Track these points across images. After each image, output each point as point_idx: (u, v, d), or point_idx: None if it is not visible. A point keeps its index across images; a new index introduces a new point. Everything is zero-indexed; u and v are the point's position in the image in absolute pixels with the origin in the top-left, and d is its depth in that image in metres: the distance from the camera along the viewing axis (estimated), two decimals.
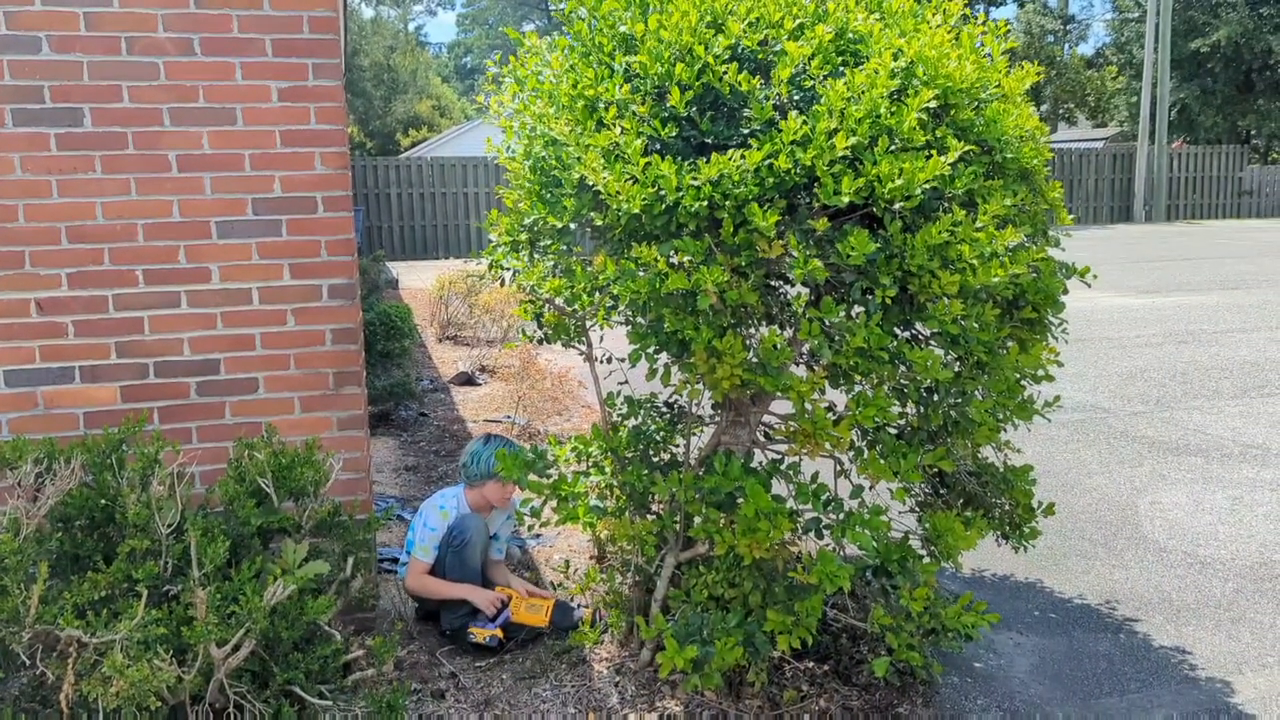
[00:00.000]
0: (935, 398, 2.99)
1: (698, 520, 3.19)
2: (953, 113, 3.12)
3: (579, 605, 4.05)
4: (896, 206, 2.86)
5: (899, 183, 2.76)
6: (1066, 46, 39.61)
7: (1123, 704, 3.51)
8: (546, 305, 4.43)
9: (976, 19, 3.30)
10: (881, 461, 2.94)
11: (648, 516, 3.62)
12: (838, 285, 2.99)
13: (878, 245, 2.76)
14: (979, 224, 2.92)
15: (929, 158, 2.89)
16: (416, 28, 75.07)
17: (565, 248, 3.32)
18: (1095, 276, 3.44)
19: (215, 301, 3.92)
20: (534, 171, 3.31)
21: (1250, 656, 3.81)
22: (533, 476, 3.30)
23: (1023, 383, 3.22)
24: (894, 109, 2.90)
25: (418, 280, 17.23)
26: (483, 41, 77.16)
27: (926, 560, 3.12)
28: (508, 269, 4.17)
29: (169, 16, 3.74)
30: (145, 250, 3.83)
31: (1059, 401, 3.44)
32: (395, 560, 4.70)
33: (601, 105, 3.08)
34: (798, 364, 3.13)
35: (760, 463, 3.21)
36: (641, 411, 3.71)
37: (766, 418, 3.58)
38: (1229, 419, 7.23)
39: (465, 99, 67.32)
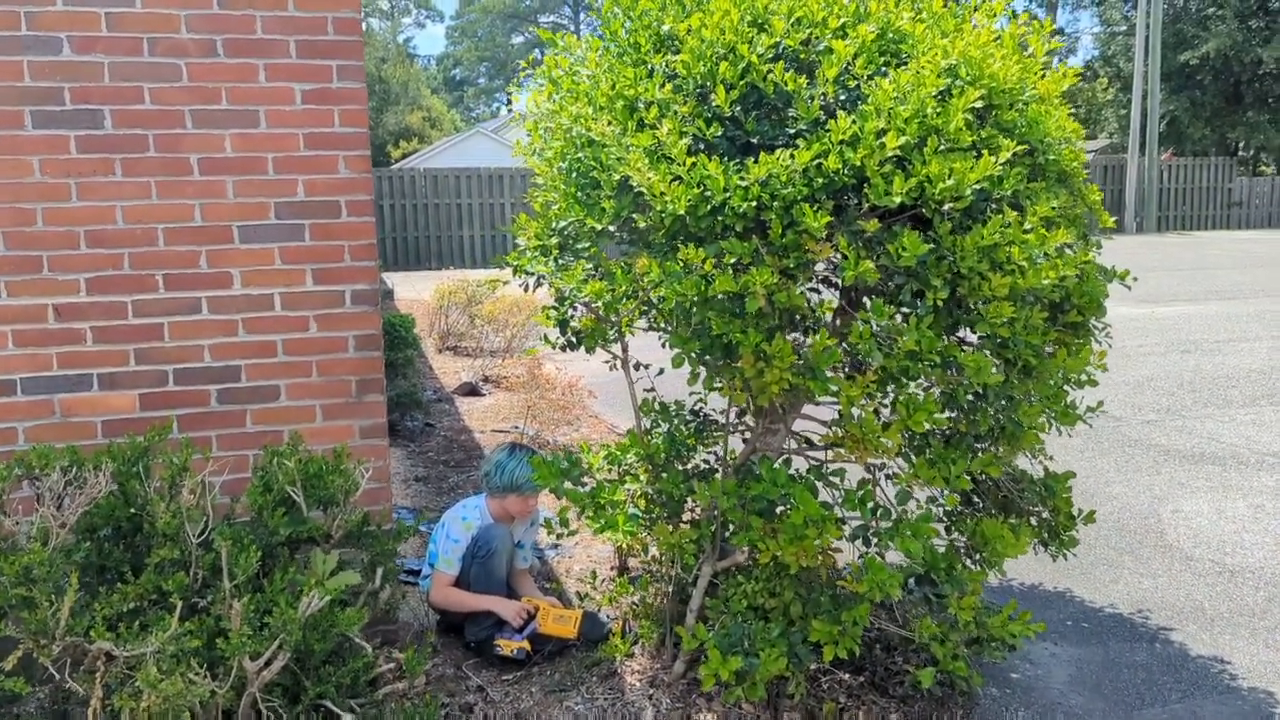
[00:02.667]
0: (983, 403, 2.94)
1: (736, 528, 3.13)
2: (996, 113, 3.07)
3: (608, 617, 3.97)
4: (946, 208, 2.81)
5: (950, 183, 2.71)
6: (1055, 59, 39.76)
7: (1165, 715, 3.45)
8: (582, 309, 4.38)
9: (1018, 17, 3.26)
10: (930, 468, 2.88)
11: (682, 525, 3.55)
12: (883, 288, 2.93)
13: (930, 247, 2.71)
14: (1027, 226, 2.87)
15: (977, 158, 2.84)
16: (406, 40, 75.12)
17: (604, 250, 3.25)
18: (1135, 279, 3.40)
19: (237, 307, 3.85)
20: (569, 174, 3.24)
21: None
22: (568, 485, 3.23)
23: (1065, 388, 3.17)
24: (940, 109, 2.86)
25: (412, 291, 17.14)
26: (472, 54, 77.20)
27: (973, 568, 3.06)
28: (533, 273, 4.11)
29: (192, 17, 3.67)
30: (166, 255, 3.76)
31: (1101, 407, 3.39)
32: (412, 572, 4.62)
33: (642, 105, 3.02)
34: (840, 368, 3.07)
35: (798, 469, 3.15)
36: (675, 419, 3.64)
37: (802, 423, 3.52)
38: (1241, 427, 7.20)
39: (455, 110, 67.30)
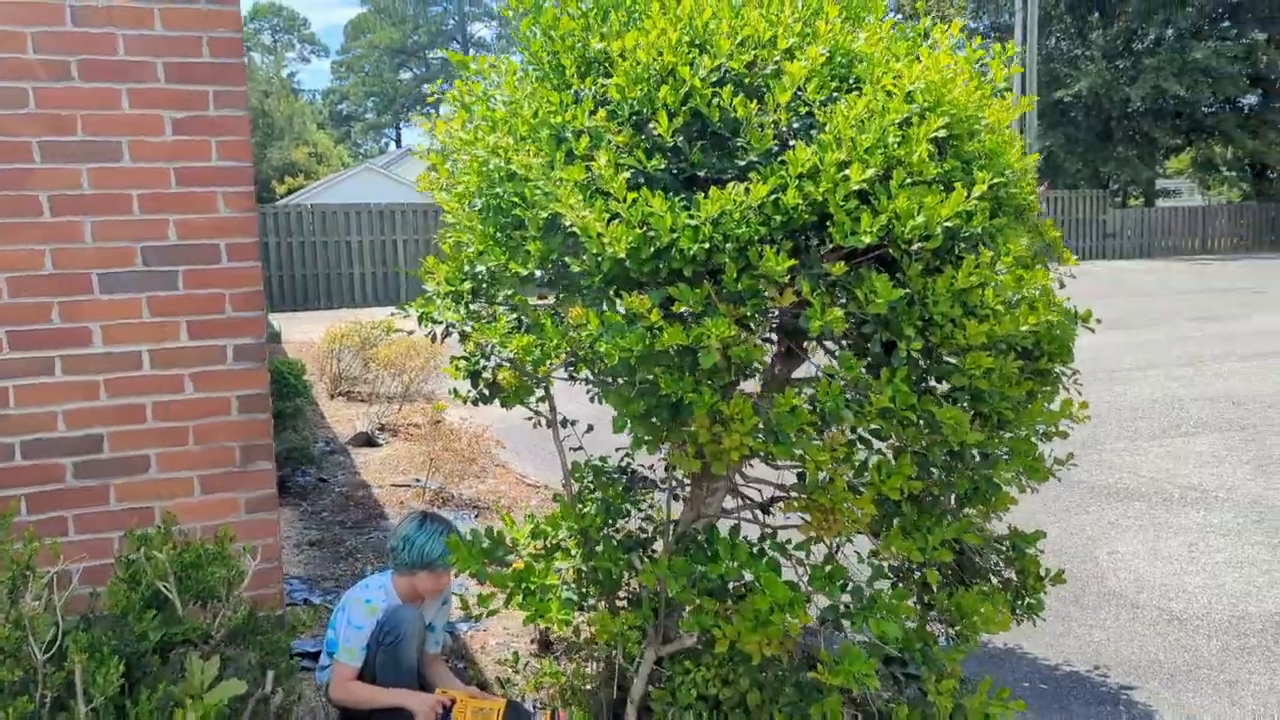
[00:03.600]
0: (958, 462, 2.64)
1: (687, 610, 2.76)
2: (956, 144, 2.81)
3: (534, 705, 3.55)
4: (915, 247, 2.51)
5: (919, 220, 2.42)
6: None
7: None
8: (495, 360, 3.97)
9: (972, 42, 3.01)
10: (905, 538, 2.56)
11: (618, 604, 3.17)
12: (845, 337, 2.62)
13: (903, 291, 2.40)
14: (999, 267, 2.60)
15: (945, 192, 2.56)
16: (290, 74, 73.48)
17: (527, 297, 2.87)
18: (1099, 321, 3.17)
19: (97, 368, 3.34)
20: (487, 211, 2.86)
21: None
22: (492, 569, 2.82)
23: (1034, 440, 2.91)
24: (901, 138, 2.57)
25: (301, 333, 16.37)
26: (358, 89, 75.95)
27: (946, 646, 2.75)
28: (441, 322, 3.70)
29: (40, 35, 3.18)
30: (10, 309, 3.23)
31: (1072, 459, 3.14)
32: (306, 654, 4.11)
33: (570, 135, 2.66)
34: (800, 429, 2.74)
35: (751, 541, 2.80)
36: (609, 485, 3.26)
37: (751, 488, 3.18)
38: (1156, 459, 7.16)
39: (342, 146, 66.01)
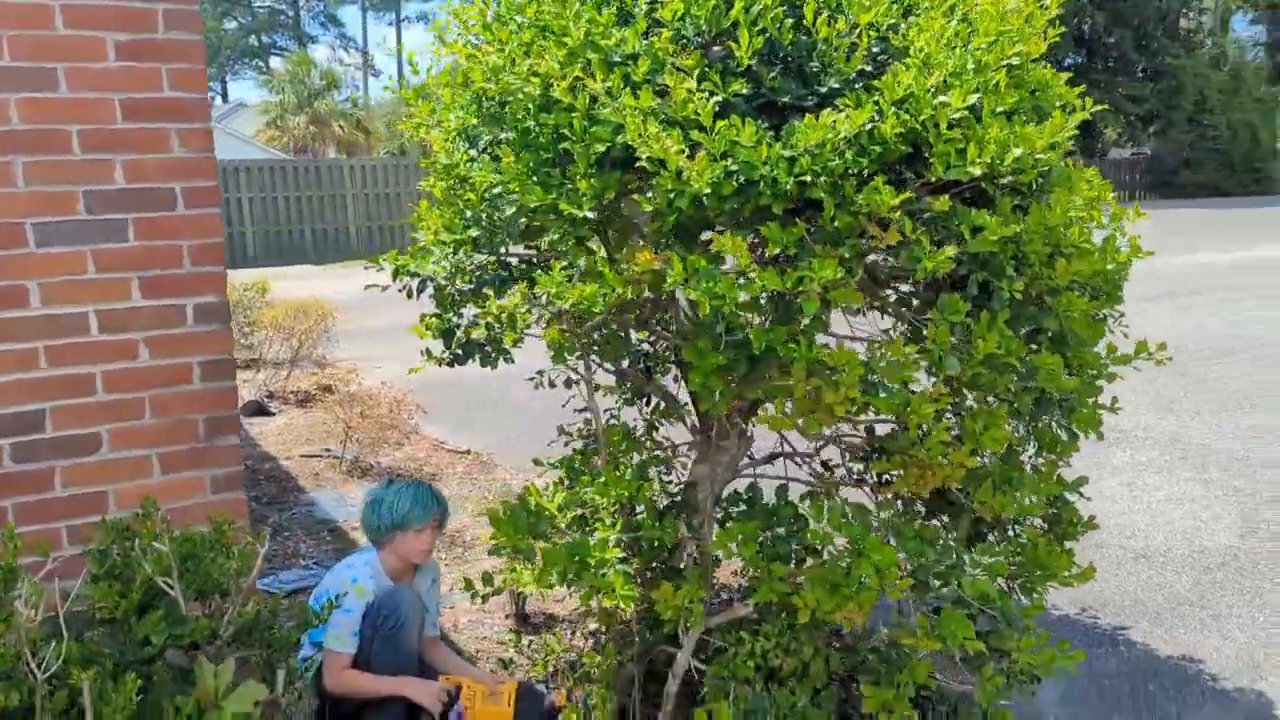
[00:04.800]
0: (1043, 411, 2.52)
1: (754, 578, 2.55)
2: (1018, 72, 2.65)
3: (546, 686, 3.29)
4: (1007, 181, 2.35)
5: (1018, 152, 2.25)
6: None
7: None
8: (469, 316, 3.65)
9: None
10: (996, 494, 2.43)
11: (648, 576, 2.95)
12: (928, 284, 2.45)
13: (1017, 227, 2.24)
14: (1079, 202, 2.47)
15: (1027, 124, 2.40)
16: None
17: (579, 243, 2.57)
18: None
19: (34, 333, 2.87)
20: (519, 146, 2.54)
21: (1259, 658, 3.62)
22: (540, 543, 2.54)
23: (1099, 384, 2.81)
24: (978, 63, 2.40)
25: None
26: None
27: (1026, 603, 2.65)
28: (420, 275, 3.37)
29: None
30: None
31: (1117, 404, 3.07)
32: None
33: (620, 59, 2.38)
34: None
35: (820, 502, 2.62)
36: (638, 445, 3.02)
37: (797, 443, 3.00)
38: None
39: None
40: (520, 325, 3.83)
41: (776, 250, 2.20)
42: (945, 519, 2.91)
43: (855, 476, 3.35)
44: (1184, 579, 4.31)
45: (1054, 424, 2.55)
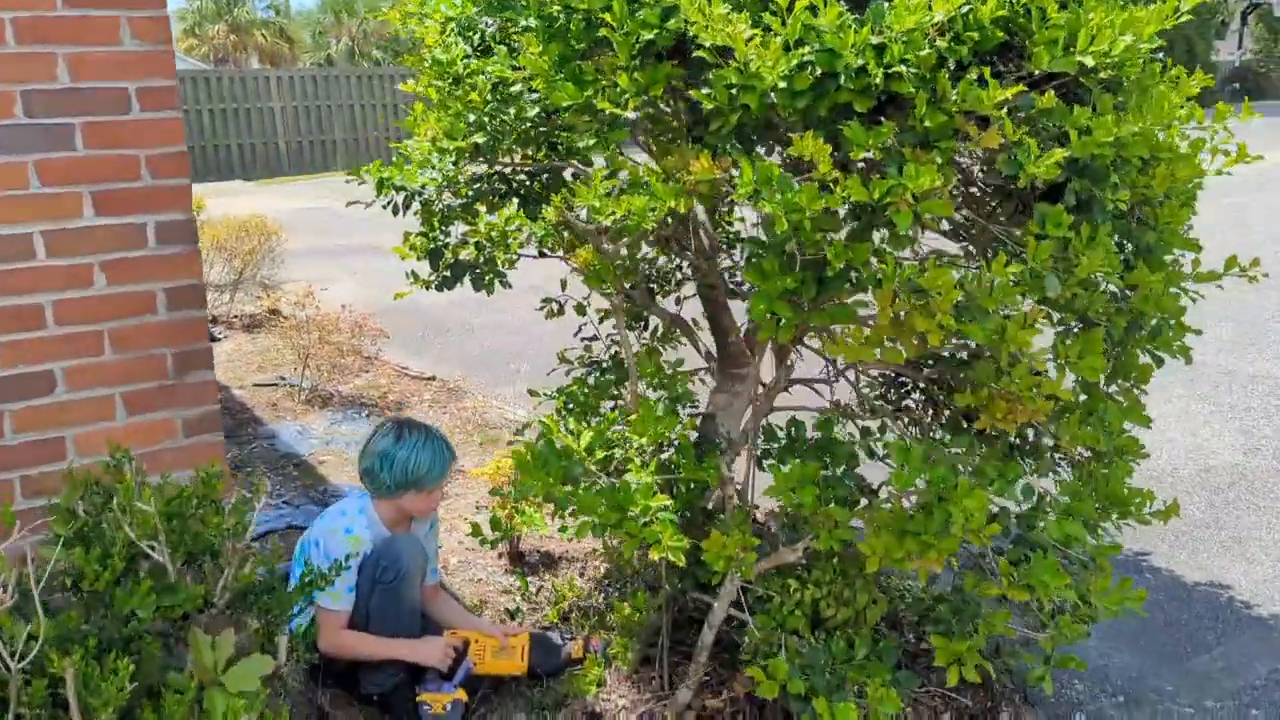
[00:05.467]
0: (1132, 336, 2.28)
1: (811, 523, 2.31)
2: None
3: (562, 636, 3.04)
4: (1105, 76, 2.07)
5: (1128, 40, 1.97)
6: None
7: (1217, 662, 3.08)
8: (458, 235, 3.31)
9: None
10: (1084, 426, 2.20)
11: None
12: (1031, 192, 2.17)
13: (1134, 128, 1.97)
14: (1178, 100, 2.20)
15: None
16: None
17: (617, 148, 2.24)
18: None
19: None
20: (543, 37, 2.19)
21: None
22: (577, 490, 2.26)
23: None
24: None
25: None
26: None
27: (1094, 543, 2.44)
28: (406, 189, 3.02)
29: None
30: None
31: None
32: None
33: None
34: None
35: (852, 434, 2.38)
36: (669, 380, 2.73)
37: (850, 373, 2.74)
38: None
39: None
40: (515, 244, 3.53)
41: (861, 155, 1.90)
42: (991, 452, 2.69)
43: (894, 407, 3.13)
44: (1197, 500, 4.19)
45: (1150, 350, 2.32)
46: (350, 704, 2.93)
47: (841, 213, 1.98)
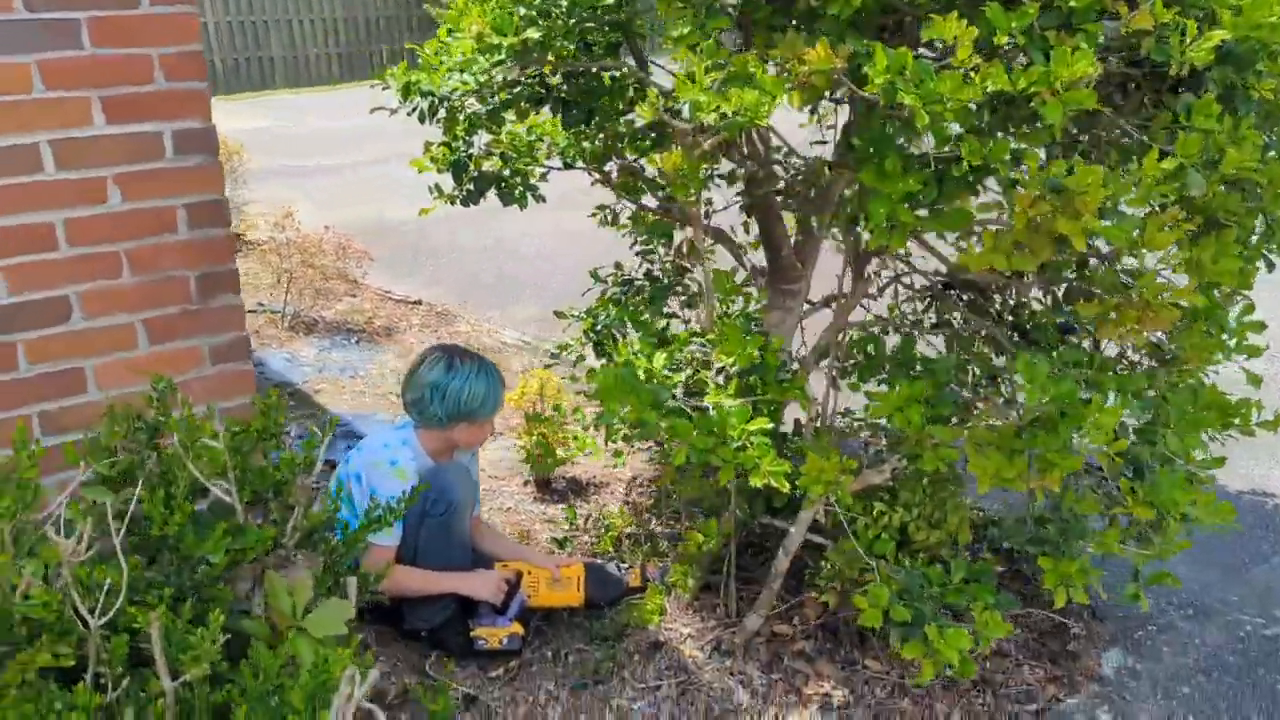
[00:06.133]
0: (1270, 240, 2.16)
1: (906, 441, 2.18)
2: None
3: (619, 566, 2.91)
4: None
5: None
6: None
7: (1277, 571, 3.05)
8: (482, 146, 3.10)
9: None
10: (1209, 338, 2.08)
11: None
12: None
13: None
14: None
15: None
16: None
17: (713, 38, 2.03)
18: None
19: None
20: None
21: None
22: (668, 416, 2.10)
23: None
24: None
25: None
26: None
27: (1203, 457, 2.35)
28: (433, 94, 2.79)
29: None
30: None
31: None
32: None
33: None
34: None
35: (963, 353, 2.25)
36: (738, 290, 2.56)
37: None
38: None
39: None
40: (542, 155, 3.31)
41: (1003, 40, 1.73)
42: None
43: (934, 321, 3.01)
44: None
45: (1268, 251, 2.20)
46: (395, 640, 2.79)
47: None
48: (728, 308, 2.40)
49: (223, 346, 2.60)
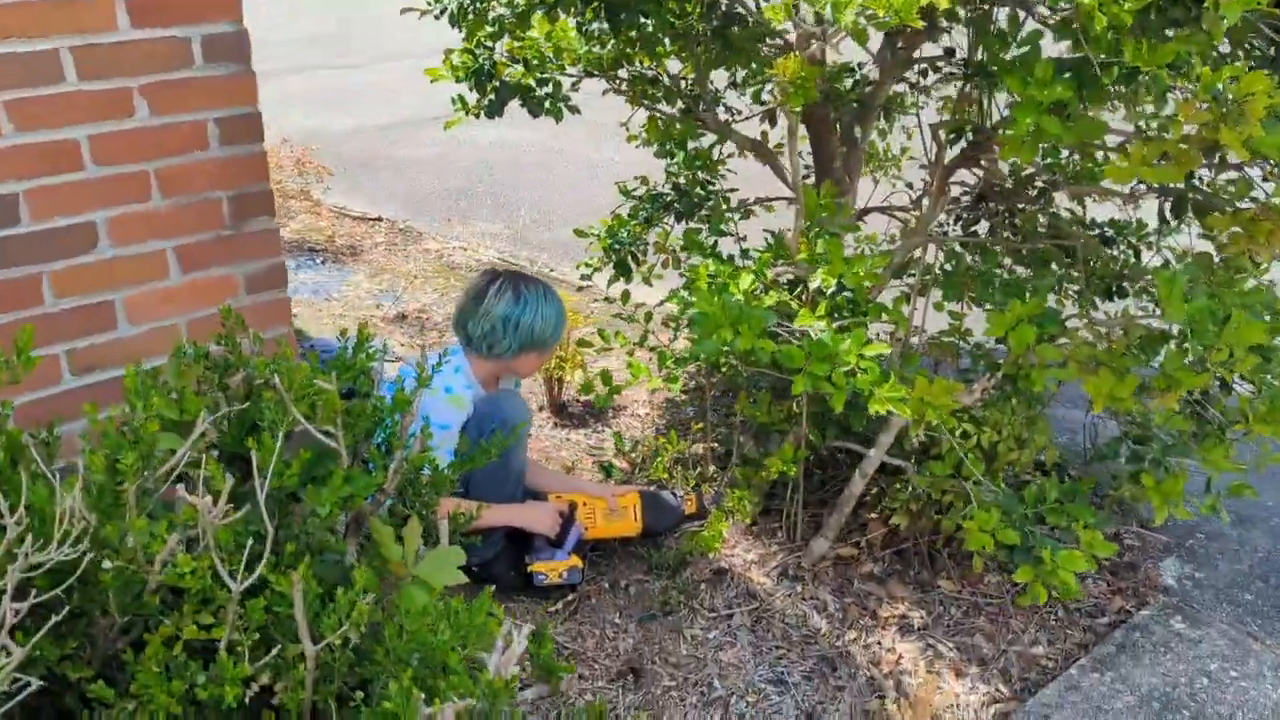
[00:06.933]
0: None
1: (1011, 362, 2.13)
2: None
3: (675, 493, 2.82)
4: None
5: None
6: None
7: None
8: (504, 52, 2.91)
9: None
10: None
11: None
12: None
13: None
14: None
15: None
16: None
17: None
18: None
19: None
20: None
21: None
22: (790, 348, 1.99)
23: None
24: None
25: None
26: None
27: None
28: None
29: None
30: None
31: None
32: None
33: None
34: None
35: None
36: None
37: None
38: None
39: None
40: (567, 59, 3.13)
41: None
42: None
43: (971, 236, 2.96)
44: None
45: None
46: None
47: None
48: (812, 225, 2.29)
49: (259, 274, 2.39)
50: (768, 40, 2.84)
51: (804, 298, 2.32)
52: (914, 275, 2.41)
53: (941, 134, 2.28)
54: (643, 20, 2.67)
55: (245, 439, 1.73)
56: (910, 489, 2.43)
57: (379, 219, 5.86)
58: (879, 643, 2.41)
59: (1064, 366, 2.07)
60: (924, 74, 2.78)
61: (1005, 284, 2.32)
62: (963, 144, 2.50)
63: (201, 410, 1.55)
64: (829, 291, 2.18)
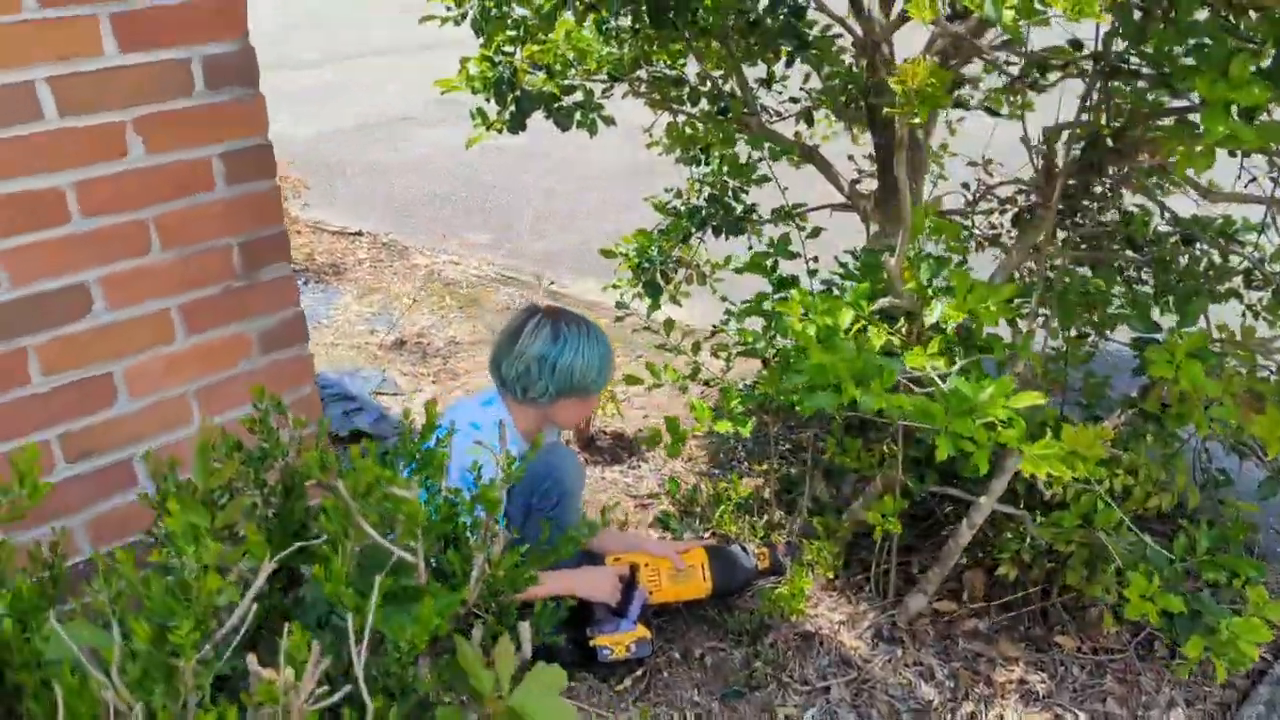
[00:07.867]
0: None
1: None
2: None
3: (744, 548, 2.52)
4: None
5: None
6: None
7: None
8: (523, 58, 2.62)
9: None
10: None
11: None
12: None
13: None
14: None
15: None
16: None
17: None
18: None
19: None
20: None
21: None
22: (928, 403, 1.70)
23: None
24: None
25: None
26: None
27: None
28: None
29: None
30: None
31: None
32: None
33: None
34: None
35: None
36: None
37: None
38: None
39: None
40: (591, 65, 2.84)
41: None
42: None
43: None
44: None
45: None
46: None
47: None
48: (916, 247, 2.01)
49: (275, 329, 2.06)
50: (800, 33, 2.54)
51: (907, 332, 2.04)
52: (1027, 300, 2.13)
53: (1064, 137, 1.99)
54: (695, 16, 2.37)
55: (288, 542, 1.42)
56: (1026, 537, 2.16)
57: (359, 234, 5.50)
58: (1001, 717, 2.14)
59: (1221, 404, 1.81)
60: (1040, 70, 2.47)
61: (1133, 304, 2.05)
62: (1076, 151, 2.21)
63: (260, 540, 1.23)
64: (947, 327, 1.89)
